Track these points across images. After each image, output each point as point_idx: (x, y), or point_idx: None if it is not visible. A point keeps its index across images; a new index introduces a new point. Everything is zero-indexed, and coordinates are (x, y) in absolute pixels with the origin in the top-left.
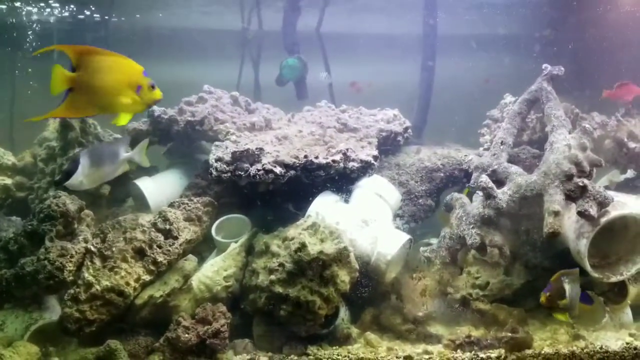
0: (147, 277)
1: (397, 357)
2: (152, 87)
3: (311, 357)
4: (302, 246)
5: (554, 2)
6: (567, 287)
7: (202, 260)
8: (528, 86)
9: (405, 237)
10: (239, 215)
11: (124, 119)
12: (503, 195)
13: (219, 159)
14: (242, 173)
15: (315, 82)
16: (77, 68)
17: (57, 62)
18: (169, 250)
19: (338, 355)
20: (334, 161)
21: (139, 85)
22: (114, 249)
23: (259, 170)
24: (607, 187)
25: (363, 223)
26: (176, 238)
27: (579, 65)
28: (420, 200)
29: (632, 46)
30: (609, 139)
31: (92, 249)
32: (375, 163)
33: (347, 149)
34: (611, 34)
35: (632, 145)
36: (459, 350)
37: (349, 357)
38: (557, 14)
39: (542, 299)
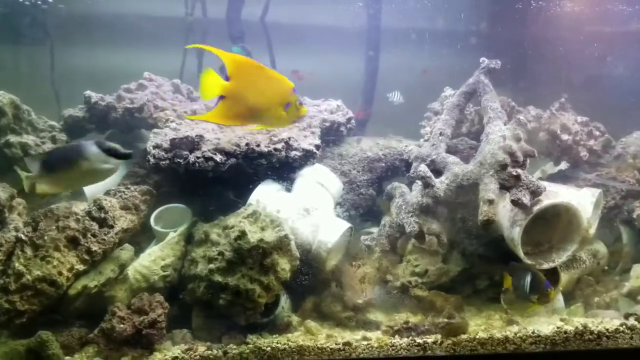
0: (80, 267)
1: (336, 344)
2: (300, 104)
3: (250, 345)
4: (242, 234)
5: None
6: (526, 278)
7: (141, 250)
8: (467, 79)
9: (346, 225)
10: (179, 204)
11: (259, 128)
12: (441, 184)
13: (157, 146)
14: (181, 160)
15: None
16: (232, 77)
17: None
18: (103, 239)
19: (278, 343)
20: (275, 149)
21: (288, 102)
22: (46, 237)
23: (198, 157)
24: (540, 178)
25: (304, 211)
26: (112, 227)
27: (515, 59)
28: (361, 190)
29: (567, 42)
30: (543, 131)
31: (23, 237)
32: (317, 152)
33: (290, 138)
34: (547, 29)
35: (564, 137)
36: (397, 336)
37: (288, 344)
38: (494, 8)
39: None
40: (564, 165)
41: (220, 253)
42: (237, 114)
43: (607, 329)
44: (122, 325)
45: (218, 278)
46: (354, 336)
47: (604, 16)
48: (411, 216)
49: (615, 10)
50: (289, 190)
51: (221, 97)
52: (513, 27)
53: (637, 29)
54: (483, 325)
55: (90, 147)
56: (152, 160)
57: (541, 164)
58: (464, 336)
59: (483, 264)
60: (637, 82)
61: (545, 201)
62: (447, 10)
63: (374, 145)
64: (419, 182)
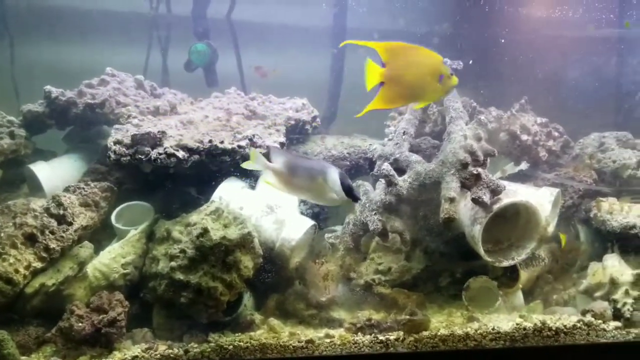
0: (38, 265)
1: (299, 342)
2: (451, 74)
3: (212, 344)
4: (205, 231)
5: None
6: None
7: (101, 248)
8: None
9: (309, 222)
10: (140, 202)
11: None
12: (404, 182)
13: (117, 142)
14: (143, 157)
15: (226, 68)
16: (387, 63)
17: None
18: (62, 237)
19: (240, 341)
20: (239, 146)
21: (442, 74)
22: (2, 234)
23: (160, 154)
24: (500, 178)
25: (268, 209)
26: (70, 224)
27: (478, 60)
28: None
29: (528, 44)
30: (503, 131)
31: None
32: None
33: (254, 135)
34: (510, 31)
35: (524, 137)
36: (359, 333)
37: (251, 343)
38: (457, 8)
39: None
40: (524, 165)
41: (182, 251)
42: (398, 95)
43: (564, 326)
44: (80, 324)
45: (180, 276)
46: (317, 334)
47: (564, 21)
48: (375, 214)
49: (575, 15)
50: (253, 187)
51: (381, 84)
52: (475, 28)
53: (595, 34)
54: (445, 322)
55: (334, 175)
56: (112, 156)
57: (502, 163)
58: (425, 333)
59: (445, 261)
60: (595, 85)
61: (505, 200)
62: (409, 10)
63: (339, 143)
64: (383, 181)
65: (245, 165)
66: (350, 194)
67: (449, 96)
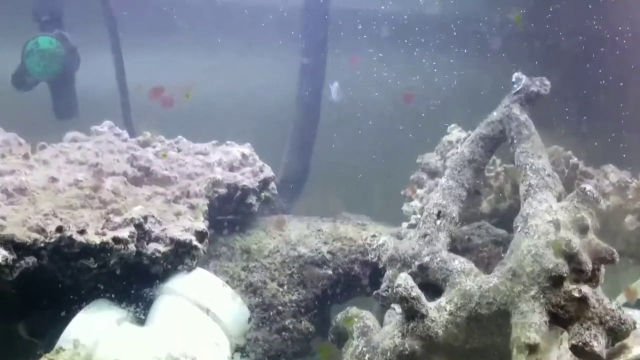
0: None
1: None
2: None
3: None
4: None
5: None
6: None
7: None
8: (486, 107)
9: None
10: None
11: None
12: (439, 312)
13: None
14: None
15: (95, 84)
16: None
17: None
18: None
19: None
20: (117, 240)
21: None
22: None
23: None
24: (626, 304)
25: None
26: None
27: (576, 74)
28: (286, 322)
29: None
30: (632, 213)
31: None
32: (200, 246)
33: (146, 218)
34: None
35: None
36: None
37: None
38: None
39: None
40: None
41: None
42: None
43: None
44: None
45: None
46: None
47: None
48: None
49: None
50: (142, 320)
51: None
52: (572, 17)
53: None
54: None
55: None
56: None
57: (627, 274)
58: None
59: None
60: None
61: (636, 349)
62: None
63: (312, 233)
64: (397, 308)
65: None
66: None
67: (523, 145)
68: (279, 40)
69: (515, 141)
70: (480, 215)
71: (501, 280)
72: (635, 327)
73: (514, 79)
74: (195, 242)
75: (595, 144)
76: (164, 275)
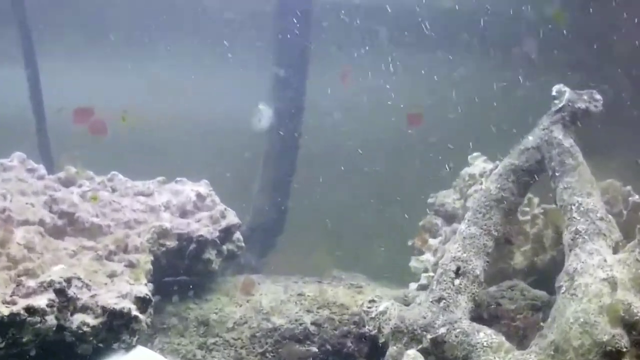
0: None
1: None
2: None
3: None
4: None
5: None
6: None
7: None
8: (519, 127)
9: None
10: None
11: None
12: None
13: None
14: None
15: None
16: None
17: None
18: None
19: None
20: (31, 310)
21: None
22: None
23: None
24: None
25: None
26: None
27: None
28: None
29: None
30: None
31: None
32: (142, 317)
33: (70, 280)
34: None
35: None
36: None
37: None
38: None
39: None
40: None
41: None
42: None
43: None
44: None
45: None
46: None
47: None
48: None
49: None
50: None
51: None
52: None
53: None
54: None
55: None
56: None
57: None
58: None
59: None
60: None
61: None
62: None
63: (292, 298)
64: None
65: None
66: None
67: (567, 178)
68: (253, 46)
69: (557, 174)
70: (512, 272)
71: (541, 358)
72: None
73: (554, 93)
74: (135, 312)
75: None
76: (95, 357)
